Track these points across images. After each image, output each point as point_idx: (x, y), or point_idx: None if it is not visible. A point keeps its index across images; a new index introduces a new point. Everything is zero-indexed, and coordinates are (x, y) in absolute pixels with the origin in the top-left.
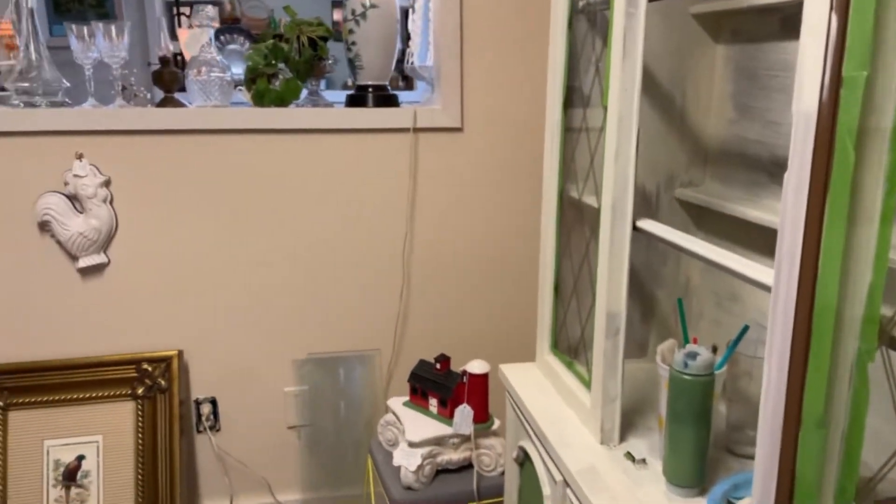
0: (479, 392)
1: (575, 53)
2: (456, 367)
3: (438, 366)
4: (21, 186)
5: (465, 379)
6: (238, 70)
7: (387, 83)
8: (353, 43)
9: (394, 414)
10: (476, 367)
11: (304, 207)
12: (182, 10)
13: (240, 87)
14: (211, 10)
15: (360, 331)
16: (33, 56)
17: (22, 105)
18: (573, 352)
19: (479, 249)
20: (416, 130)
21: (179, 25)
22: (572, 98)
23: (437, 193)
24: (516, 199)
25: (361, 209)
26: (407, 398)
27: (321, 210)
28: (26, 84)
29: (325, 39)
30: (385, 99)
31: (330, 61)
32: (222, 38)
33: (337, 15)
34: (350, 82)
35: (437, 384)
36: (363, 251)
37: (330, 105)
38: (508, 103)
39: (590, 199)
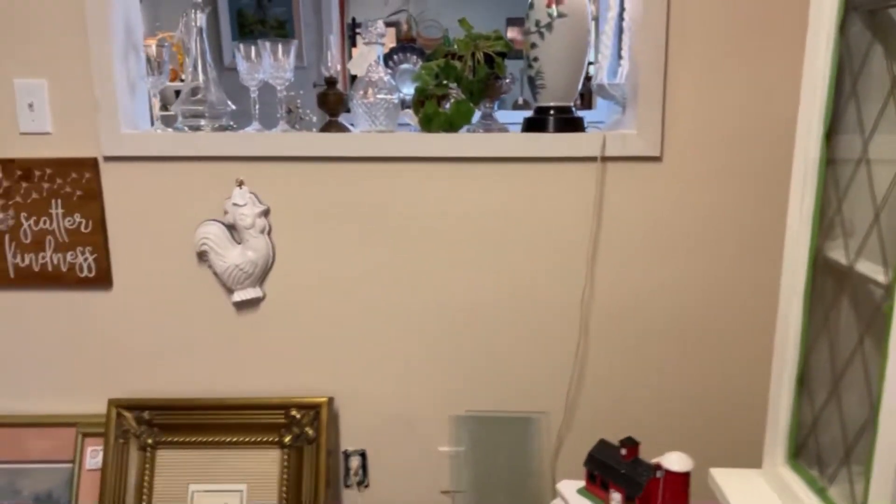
0: (677, 494)
1: (847, 64)
2: (645, 455)
3: (624, 452)
4: (182, 213)
5: (659, 474)
6: (411, 90)
7: (571, 104)
8: (535, 59)
9: (565, 502)
10: (675, 462)
11: (472, 245)
12: (358, 30)
13: (407, 110)
14: (381, 26)
15: (527, 389)
16: (200, 78)
17: (186, 129)
18: (826, 470)
19: (681, 309)
20: (605, 159)
21: (354, 45)
22: (837, 123)
23: (628, 236)
24: (736, 252)
25: (536, 250)
26: (582, 484)
27: (490, 249)
28: (192, 107)
29: (503, 56)
30: (568, 122)
31: (507, 80)
32: (395, 57)
33: (511, 33)
34: (521, 100)
35: (623, 476)
36: (535, 298)
37: (504, 129)
38: (728, 127)
39: (869, 268)
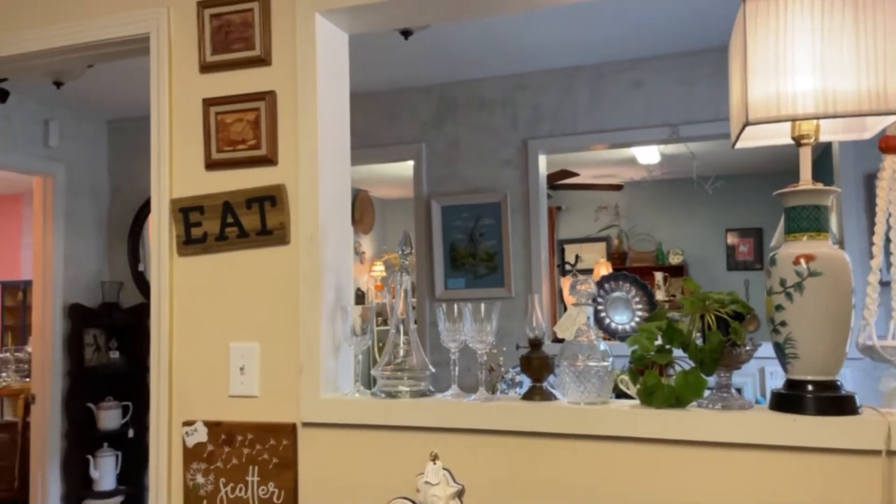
0: None
1: None
2: None
3: None
4: (374, 487)
5: None
6: (623, 318)
7: (836, 379)
8: (783, 323)
9: None
10: None
11: None
12: (568, 265)
13: (622, 374)
14: (592, 286)
15: None
16: (402, 340)
17: (383, 395)
18: None
19: None
20: (891, 454)
21: (563, 274)
22: None
23: None
24: None
25: None
26: None
27: None
28: (392, 371)
29: (740, 318)
30: (833, 402)
31: (748, 347)
32: (606, 285)
33: (730, 239)
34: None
35: None
36: None
37: (747, 405)
38: None
39: None
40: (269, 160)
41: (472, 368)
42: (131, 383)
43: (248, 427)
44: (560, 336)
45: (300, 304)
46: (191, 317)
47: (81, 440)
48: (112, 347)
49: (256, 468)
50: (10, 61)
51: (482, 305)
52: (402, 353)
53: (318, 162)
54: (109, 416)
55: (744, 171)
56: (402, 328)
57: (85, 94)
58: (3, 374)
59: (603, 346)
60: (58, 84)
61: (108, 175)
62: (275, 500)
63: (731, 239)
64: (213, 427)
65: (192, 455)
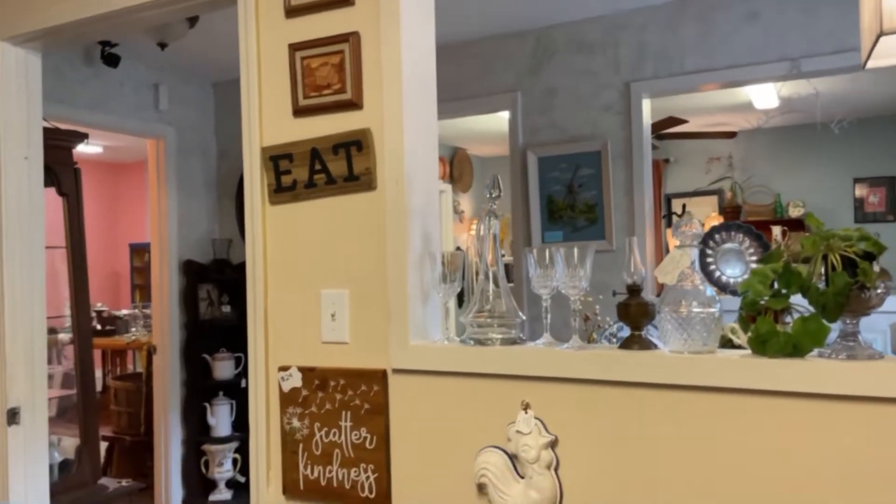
0: None
1: None
2: None
3: None
4: (464, 435)
5: None
6: (735, 271)
7: None
8: None
9: None
10: None
11: None
12: (674, 214)
13: (732, 326)
14: (697, 226)
15: None
16: (491, 288)
17: (472, 342)
18: None
19: None
20: None
21: (669, 225)
22: None
23: None
24: None
25: None
26: None
27: None
28: (481, 318)
29: (870, 258)
30: None
31: (879, 290)
32: (717, 236)
33: (859, 190)
34: None
35: None
36: None
37: (877, 355)
38: None
39: None
40: (355, 104)
41: (568, 322)
42: (242, 335)
43: (340, 373)
44: (661, 280)
45: (387, 251)
46: (284, 265)
47: (199, 389)
48: (224, 301)
49: (349, 413)
50: (108, 18)
51: (575, 249)
52: (490, 299)
53: (403, 104)
54: (223, 367)
55: (874, 114)
56: (491, 275)
57: (190, 58)
58: (133, 329)
59: (709, 291)
60: (162, 45)
61: (215, 136)
62: (367, 445)
63: (860, 189)
64: (307, 372)
65: (287, 399)
